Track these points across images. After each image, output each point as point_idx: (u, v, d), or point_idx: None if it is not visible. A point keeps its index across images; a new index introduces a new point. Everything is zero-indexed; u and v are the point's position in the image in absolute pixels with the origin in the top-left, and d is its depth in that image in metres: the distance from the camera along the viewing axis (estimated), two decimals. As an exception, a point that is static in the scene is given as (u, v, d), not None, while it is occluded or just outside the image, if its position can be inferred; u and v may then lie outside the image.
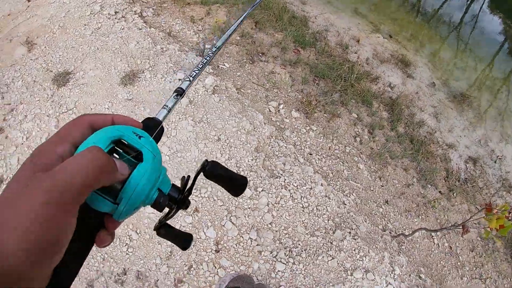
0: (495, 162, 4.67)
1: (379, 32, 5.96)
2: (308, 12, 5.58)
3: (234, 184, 0.54)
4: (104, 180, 0.36)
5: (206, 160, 0.53)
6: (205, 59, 0.79)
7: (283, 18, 4.85)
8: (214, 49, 0.84)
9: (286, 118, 3.40)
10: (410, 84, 5.01)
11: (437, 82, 5.41)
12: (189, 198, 0.51)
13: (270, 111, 3.41)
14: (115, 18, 4.00)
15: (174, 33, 4.25)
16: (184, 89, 0.67)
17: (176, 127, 2.91)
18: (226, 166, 0.54)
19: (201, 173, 0.52)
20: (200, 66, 0.77)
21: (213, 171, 0.52)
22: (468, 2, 11.41)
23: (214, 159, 0.59)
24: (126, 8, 4.25)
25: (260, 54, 4.20)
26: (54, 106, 3.04)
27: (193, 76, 0.73)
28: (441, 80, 5.56)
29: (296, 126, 3.37)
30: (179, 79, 3.31)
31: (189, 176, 0.52)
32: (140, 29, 3.88)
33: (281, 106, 3.49)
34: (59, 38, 3.70)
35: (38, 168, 0.34)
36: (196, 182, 0.57)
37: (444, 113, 4.88)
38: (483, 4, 12.16)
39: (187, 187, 0.51)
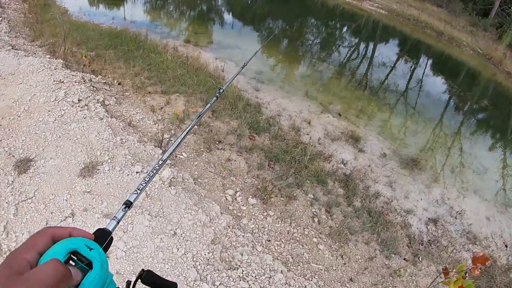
0: (456, 218, 4.85)
1: (328, 112, 6.40)
2: (261, 99, 5.98)
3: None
4: (61, 286, 0.45)
5: (143, 269, 0.65)
6: (152, 172, 0.89)
7: (238, 106, 5.15)
8: (160, 162, 0.94)
9: (243, 205, 3.48)
10: (362, 158, 5.30)
11: (388, 152, 5.75)
12: None
13: (227, 199, 3.49)
14: (78, 106, 4.11)
15: (134, 123, 4.40)
16: (132, 201, 0.77)
17: (133, 221, 2.90)
18: (158, 275, 0.67)
19: (139, 280, 0.65)
20: (147, 179, 0.87)
21: (148, 278, 0.65)
22: (412, 69, 12.60)
23: (149, 268, 0.70)
24: (89, 96, 4.40)
25: (217, 142, 4.39)
26: (14, 193, 2.99)
27: (140, 188, 0.83)
28: (391, 149, 5.93)
29: (253, 213, 3.44)
30: (137, 172, 3.37)
31: (130, 281, 0.66)
32: (102, 119, 4.00)
33: (237, 194, 3.59)
34: (23, 122, 3.73)
35: (13, 271, 0.44)
36: None
37: (398, 181, 5.12)
38: (425, 68, 13.46)
39: None
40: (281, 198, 3.80)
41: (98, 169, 3.30)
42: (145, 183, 0.87)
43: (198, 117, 1.16)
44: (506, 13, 22.79)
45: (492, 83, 14.23)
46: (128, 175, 3.30)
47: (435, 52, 15.73)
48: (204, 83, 5.60)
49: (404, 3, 20.26)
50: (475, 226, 4.85)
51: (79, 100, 4.23)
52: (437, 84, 11.98)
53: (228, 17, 13.46)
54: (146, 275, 0.66)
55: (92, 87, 4.80)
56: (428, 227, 4.51)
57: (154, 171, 0.90)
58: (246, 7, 15.69)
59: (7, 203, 2.90)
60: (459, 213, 4.95)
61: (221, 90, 1.46)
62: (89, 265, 0.51)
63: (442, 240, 4.30)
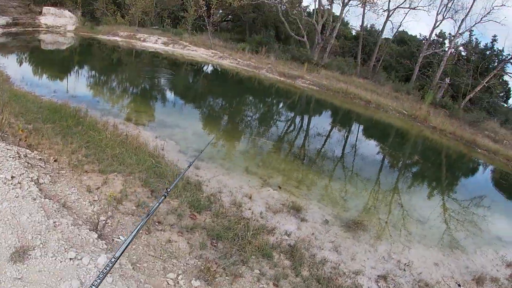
0: (404, 270, 4.99)
1: (269, 185, 6.60)
2: (201, 177, 6.05)
3: None
4: None
5: None
6: (102, 274, 0.88)
7: (178, 185, 5.14)
8: (113, 260, 0.93)
9: (185, 289, 3.36)
10: (305, 227, 5.42)
11: (330, 218, 5.95)
12: None
13: (168, 284, 3.35)
14: (11, 184, 3.84)
15: (69, 204, 4.18)
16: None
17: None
18: None
19: None
20: (97, 282, 0.85)
21: None
22: (345, 136, 13.56)
23: None
24: (23, 174, 4.15)
25: (157, 223, 4.29)
26: None
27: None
28: (332, 215, 6.14)
29: (195, 297, 3.32)
30: (70, 259, 3.16)
31: None
32: (35, 199, 3.76)
33: (180, 277, 3.46)
34: None
35: None
36: None
37: (342, 244, 5.25)
38: (357, 134, 14.58)
39: None
40: (227, 277, 3.72)
41: (30, 254, 3.05)
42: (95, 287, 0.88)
43: (147, 216, 1.21)
44: (425, 76, 25.99)
45: (420, 139, 15.86)
46: (61, 261, 3.08)
47: (365, 119, 17.29)
48: (143, 162, 5.58)
49: (333, 78, 22.33)
50: (425, 274, 5.03)
51: (12, 177, 4.00)
52: (370, 147, 13.01)
53: (170, 95, 13.88)
54: None
55: (27, 163, 4.58)
56: (379, 284, 4.59)
57: (106, 270, 0.91)
58: (187, 87, 16.33)
59: None
60: (407, 265, 5.13)
61: (169, 190, 1.54)
62: None
63: (395, 294, 4.38)
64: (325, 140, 12.01)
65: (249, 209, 5.44)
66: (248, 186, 6.31)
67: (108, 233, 3.82)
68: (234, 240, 4.38)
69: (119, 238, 3.83)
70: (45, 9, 24.81)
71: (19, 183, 3.98)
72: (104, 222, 3.89)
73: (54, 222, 3.52)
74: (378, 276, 4.75)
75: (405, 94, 22.53)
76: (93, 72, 15.37)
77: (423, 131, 16.88)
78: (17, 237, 3.16)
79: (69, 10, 25.93)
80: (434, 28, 26.36)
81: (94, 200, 4.39)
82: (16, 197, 3.68)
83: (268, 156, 8.72)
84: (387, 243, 5.67)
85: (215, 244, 4.24)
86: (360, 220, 6.10)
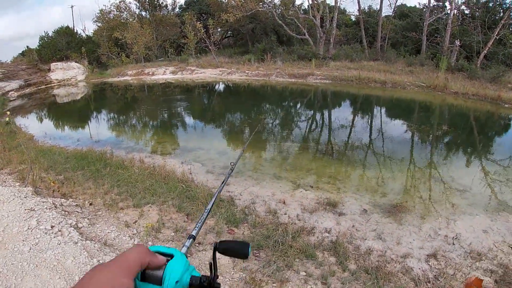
0: (453, 243, 4.79)
1: (300, 187, 6.56)
2: (232, 192, 6.09)
3: (239, 251, 0.79)
4: (147, 259, 0.63)
5: (215, 242, 0.79)
6: (204, 214, 1.03)
7: (211, 204, 5.19)
8: (206, 212, 1.04)
9: (235, 303, 3.38)
10: (344, 221, 5.32)
11: (368, 207, 5.82)
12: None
13: (217, 301, 3.38)
14: (52, 233, 4.02)
15: (110, 241, 4.31)
16: (195, 235, 0.94)
17: None
18: (230, 240, 0.79)
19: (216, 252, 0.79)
20: (202, 220, 1.01)
21: (221, 247, 0.79)
22: (369, 121, 13.33)
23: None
24: (62, 222, 4.32)
25: (197, 245, 4.34)
26: None
27: (200, 223, 0.99)
28: (370, 203, 6.00)
29: (247, 309, 3.33)
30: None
31: (211, 263, 0.77)
32: (76, 242, 3.91)
33: (226, 293, 3.49)
34: None
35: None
36: None
37: (385, 230, 5.11)
38: (381, 117, 14.29)
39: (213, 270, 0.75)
40: (273, 285, 3.71)
41: (79, 301, 3.16)
42: (201, 221, 1.01)
43: (216, 194, 1.27)
44: (435, 43, 25.24)
45: (444, 108, 15.37)
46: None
47: (385, 100, 16.95)
48: (174, 189, 5.69)
49: (343, 68, 22.11)
50: (475, 243, 4.83)
51: (52, 227, 4.18)
52: (396, 127, 12.73)
53: (188, 120, 14.13)
54: (219, 245, 0.79)
55: (63, 211, 4.77)
56: (430, 263, 4.43)
57: (206, 214, 1.05)
58: (203, 108, 16.58)
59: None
60: (455, 238, 4.93)
61: (234, 165, 1.64)
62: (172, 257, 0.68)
63: (447, 270, 4.20)
64: (350, 130, 11.87)
65: (285, 213, 5.42)
66: (280, 191, 6.30)
67: (152, 263, 3.90)
68: (275, 247, 4.36)
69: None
70: (53, 65, 25.97)
71: (59, 231, 4.15)
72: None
73: (98, 261, 3.64)
74: (428, 255, 4.59)
75: (419, 67, 21.97)
76: (112, 114, 15.90)
77: (445, 99, 16.39)
78: (65, 280, 3.28)
79: (75, 62, 27.03)
80: None
81: (133, 234, 4.51)
82: (59, 244, 3.84)
83: (295, 158, 8.69)
84: (432, 220, 5.49)
85: (257, 254, 4.24)
86: (399, 203, 5.94)
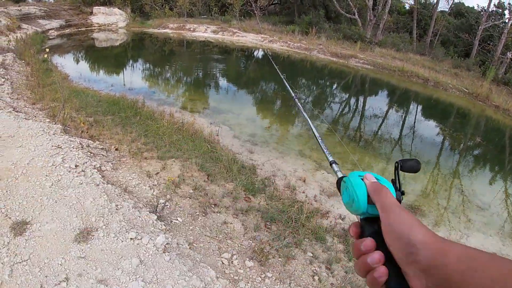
0: None
1: (323, 168, 6.49)
2: (255, 160, 6.11)
3: (414, 167, 0.79)
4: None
5: (396, 162, 0.79)
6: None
7: (232, 169, 5.24)
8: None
9: (240, 268, 3.44)
10: (360, 212, 5.27)
11: None
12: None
13: (223, 263, 3.45)
14: (75, 172, 4.17)
15: (130, 189, 4.44)
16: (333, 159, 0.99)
17: (127, 287, 2.86)
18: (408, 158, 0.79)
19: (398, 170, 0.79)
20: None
21: (404, 165, 0.79)
22: (403, 117, 12.94)
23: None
24: (86, 162, 4.48)
25: (213, 206, 4.41)
26: (10, 254, 2.95)
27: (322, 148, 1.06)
28: None
29: (250, 276, 3.39)
30: (131, 239, 3.36)
31: (393, 180, 0.78)
32: (98, 185, 4.05)
33: (234, 257, 3.55)
34: (21, 185, 3.77)
35: None
36: None
37: None
38: (416, 115, 13.84)
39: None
40: (279, 259, 3.76)
41: (93, 235, 3.29)
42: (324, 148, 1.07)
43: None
44: (486, 50, 23.91)
45: (482, 119, 14.67)
46: (122, 241, 3.29)
47: (423, 98, 16.31)
48: (199, 148, 5.75)
49: (388, 56, 21.28)
50: None
51: (76, 166, 4.32)
52: (429, 128, 12.29)
53: (222, 82, 14.08)
54: (401, 164, 0.79)
55: (89, 153, 4.92)
56: None
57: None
58: (239, 72, 16.46)
59: (2, 263, 2.87)
60: None
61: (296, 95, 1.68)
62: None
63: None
64: (382, 122, 11.54)
65: (303, 192, 5.40)
66: (302, 169, 6.26)
67: (167, 215, 4.01)
68: (288, 222, 4.38)
69: (177, 219, 4.00)
70: (95, 9, 26.13)
71: (83, 171, 4.29)
72: (163, 204, 4.08)
73: (116, 205, 3.76)
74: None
75: (465, 71, 20.83)
76: (147, 65, 16.03)
77: (485, 111, 15.57)
78: (81, 220, 3.41)
79: (118, 8, 27.10)
80: None
81: (153, 185, 4.62)
82: (80, 184, 3.97)
83: (322, 139, 8.56)
84: (446, 230, 5.36)
85: (269, 227, 4.28)
86: (418, 205, 5.81)
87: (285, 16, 31.99)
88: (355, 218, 0.72)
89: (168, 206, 4.18)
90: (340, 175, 0.85)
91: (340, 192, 0.77)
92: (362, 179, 0.71)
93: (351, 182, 0.71)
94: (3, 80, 7.91)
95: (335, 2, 26.18)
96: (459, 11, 29.40)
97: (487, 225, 5.83)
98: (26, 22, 19.75)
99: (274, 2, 36.27)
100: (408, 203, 5.86)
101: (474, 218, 5.93)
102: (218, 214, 4.25)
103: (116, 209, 3.73)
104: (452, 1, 27.51)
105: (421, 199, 6.24)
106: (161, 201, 4.20)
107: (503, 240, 5.47)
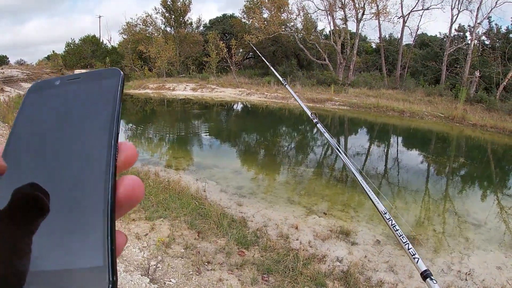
0: (466, 279, 4.64)
1: (314, 213, 6.47)
2: (245, 213, 6.06)
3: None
4: None
5: None
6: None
7: (223, 224, 5.18)
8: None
9: (241, 328, 3.31)
10: (357, 251, 5.21)
11: (381, 238, 5.68)
12: None
13: (223, 325, 3.32)
14: None
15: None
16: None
17: None
18: None
19: None
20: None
21: None
22: (385, 150, 13.18)
23: None
24: None
25: (206, 263, 4.30)
26: None
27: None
28: (384, 234, 5.85)
29: (253, 335, 3.26)
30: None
31: None
32: None
33: (233, 317, 3.42)
34: None
35: None
36: None
37: (398, 263, 4.97)
38: (397, 146, 14.13)
39: None
40: (281, 313, 3.64)
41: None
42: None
43: None
44: (454, 74, 25.01)
45: (462, 140, 15.13)
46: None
47: (402, 129, 16.81)
48: (187, 206, 5.69)
49: (362, 95, 22.10)
50: (488, 279, 4.67)
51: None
52: (412, 157, 12.54)
53: (205, 137, 14.22)
54: None
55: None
56: None
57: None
58: (221, 127, 16.71)
59: None
60: (468, 274, 4.77)
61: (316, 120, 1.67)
62: None
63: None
64: (366, 158, 11.76)
65: (297, 239, 5.34)
66: (293, 216, 6.23)
67: (159, 276, 3.88)
68: (285, 272, 4.29)
69: (170, 281, 3.88)
70: (76, 72, 26.69)
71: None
72: (155, 266, 3.96)
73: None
74: (441, 291, 4.44)
75: (437, 97, 21.78)
76: (130, 125, 16.14)
77: (463, 131, 16.17)
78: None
79: (98, 70, 27.76)
80: (452, 23, 25.63)
81: (143, 247, 4.50)
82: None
83: (309, 184, 8.62)
84: (445, 255, 5.35)
85: (266, 279, 4.17)
86: (413, 235, 5.81)
87: (260, 69, 33.23)
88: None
89: (160, 268, 4.05)
90: None
91: None
92: None
93: None
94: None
95: (306, 51, 27.53)
96: (423, 42, 31.04)
97: (486, 241, 5.85)
98: (9, 84, 19.91)
99: (248, 57, 37.79)
100: (405, 234, 5.82)
101: (472, 237, 5.95)
102: (213, 272, 4.13)
103: (107, 276, 3.60)
104: (415, 34, 29.19)
105: (416, 228, 6.25)
106: (153, 262, 4.08)
107: (505, 252, 5.48)
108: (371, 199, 1.14)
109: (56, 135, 0.39)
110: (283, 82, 1.72)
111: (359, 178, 1.28)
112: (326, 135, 1.38)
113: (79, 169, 0.36)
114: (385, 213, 1.09)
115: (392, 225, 1.09)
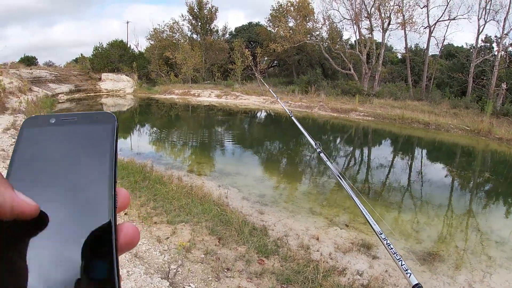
0: None
1: (335, 224, 6.38)
2: (266, 221, 6.03)
3: None
4: None
5: None
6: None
7: (244, 232, 5.17)
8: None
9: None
10: (378, 265, 5.10)
11: (402, 253, 5.53)
12: None
13: (242, 333, 3.29)
14: None
15: (140, 254, 4.35)
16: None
17: None
18: None
19: None
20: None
21: None
22: (409, 163, 12.88)
23: None
24: None
25: (226, 270, 4.29)
26: None
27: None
28: (405, 248, 5.71)
29: None
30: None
31: None
32: None
33: (252, 326, 3.39)
34: None
35: None
36: None
37: (418, 279, 4.80)
38: (422, 159, 13.79)
39: None
40: (299, 325, 3.58)
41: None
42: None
43: None
44: (481, 86, 24.22)
45: (487, 154, 14.63)
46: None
47: (427, 142, 16.42)
48: (209, 211, 5.72)
49: (387, 106, 21.70)
50: None
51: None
52: (437, 171, 12.21)
53: (228, 144, 14.31)
54: None
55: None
56: None
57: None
58: (244, 133, 16.79)
59: None
60: None
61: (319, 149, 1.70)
62: None
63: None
64: (389, 171, 11.52)
65: (318, 250, 5.27)
66: (314, 227, 6.16)
67: (179, 281, 3.90)
68: (305, 283, 4.23)
69: (190, 285, 3.89)
70: (104, 75, 27.44)
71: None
72: (175, 270, 3.98)
73: (127, 272, 3.68)
74: (462, 310, 4.29)
75: (463, 109, 21.13)
76: (155, 129, 16.45)
77: (489, 145, 15.62)
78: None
79: (126, 75, 28.42)
80: (478, 34, 24.73)
81: (164, 250, 4.54)
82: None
83: (331, 194, 8.51)
84: (467, 272, 5.16)
85: (286, 289, 4.13)
86: (435, 251, 5.64)
87: (284, 77, 33.32)
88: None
89: (180, 272, 4.07)
90: None
91: None
92: None
93: None
94: (13, 140, 8.11)
95: (331, 60, 27.39)
96: (449, 53, 30.31)
97: (510, 259, 5.61)
98: (37, 85, 20.61)
99: (273, 65, 37.93)
100: (426, 250, 5.69)
101: (495, 255, 5.73)
102: (232, 279, 4.12)
103: (128, 275, 3.65)
104: (441, 44, 28.53)
105: (438, 244, 6.07)
106: (173, 267, 4.10)
107: (527, 271, 5.25)
108: (368, 221, 1.18)
109: (55, 181, 0.39)
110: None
111: (357, 201, 1.31)
112: (329, 164, 1.40)
113: (83, 218, 0.38)
114: (381, 234, 1.11)
115: (387, 244, 1.13)
